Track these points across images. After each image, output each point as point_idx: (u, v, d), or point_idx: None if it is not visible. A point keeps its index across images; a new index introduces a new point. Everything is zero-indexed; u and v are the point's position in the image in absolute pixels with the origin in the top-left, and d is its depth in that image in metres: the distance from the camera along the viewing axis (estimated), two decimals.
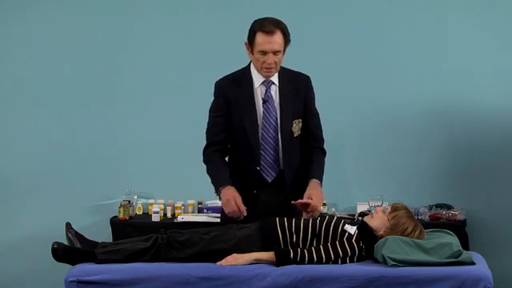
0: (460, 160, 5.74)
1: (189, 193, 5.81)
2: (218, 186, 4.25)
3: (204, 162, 4.38)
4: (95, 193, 5.87)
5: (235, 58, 5.67)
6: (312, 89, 4.41)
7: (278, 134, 4.32)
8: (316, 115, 4.43)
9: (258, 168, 4.32)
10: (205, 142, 4.41)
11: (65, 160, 5.88)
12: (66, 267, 4.13)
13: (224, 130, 4.34)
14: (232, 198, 4.17)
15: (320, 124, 4.44)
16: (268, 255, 4.08)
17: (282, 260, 4.05)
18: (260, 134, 4.30)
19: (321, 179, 4.34)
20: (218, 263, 4.05)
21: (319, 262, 4.08)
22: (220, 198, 4.25)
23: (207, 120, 4.41)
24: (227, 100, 4.32)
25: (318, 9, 5.73)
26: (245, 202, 4.22)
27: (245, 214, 4.17)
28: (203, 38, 5.81)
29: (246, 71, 4.36)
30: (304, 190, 4.27)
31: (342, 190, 5.75)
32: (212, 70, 5.78)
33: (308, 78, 4.41)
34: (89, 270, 4.04)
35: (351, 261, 4.12)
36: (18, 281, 5.87)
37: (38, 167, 5.89)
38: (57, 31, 5.88)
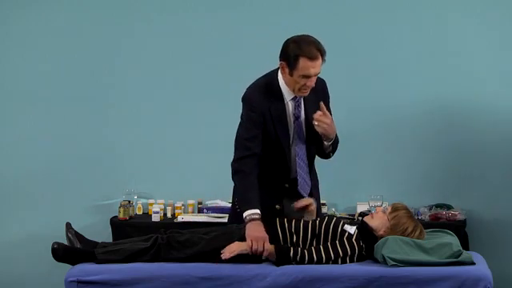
0: (460, 160, 5.74)
1: (189, 193, 5.81)
2: (245, 207, 4.14)
3: (236, 171, 4.21)
4: (95, 193, 5.87)
5: (235, 58, 5.71)
6: (328, 93, 4.41)
7: (306, 148, 4.31)
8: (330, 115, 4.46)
9: (287, 185, 4.30)
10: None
11: (65, 160, 5.88)
12: (66, 267, 4.13)
13: (261, 143, 4.22)
14: (261, 239, 4.05)
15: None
16: (270, 248, 4.07)
17: (281, 257, 4.05)
18: (293, 151, 4.28)
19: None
20: (223, 255, 4.04)
21: (319, 262, 4.08)
22: (244, 218, 4.13)
23: (239, 130, 4.27)
24: (261, 114, 4.21)
25: (318, 9, 5.73)
26: (267, 216, 4.20)
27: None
28: (203, 38, 5.81)
29: (273, 83, 4.25)
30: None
31: (342, 190, 5.74)
32: (212, 70, 5.83)
33: (324, 82, 4.40)
34: (89, 269, 4.04)
35: (351, 260, 4.12)
36: (18, 281, 5.87)
37: (38, 167, 5.89)
38: (57, 31, 5.88)
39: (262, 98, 4.22)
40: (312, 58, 4.09)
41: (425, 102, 5.73)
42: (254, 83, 4.30)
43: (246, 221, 4.11)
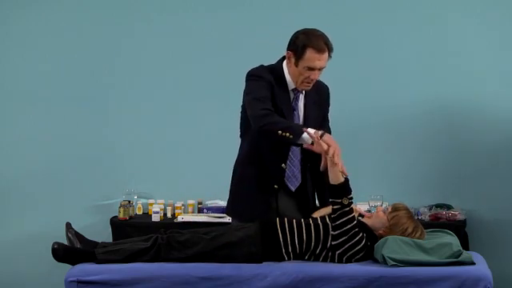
0: (460, 160, 5.74)
1: (189, 193, 5.81)
2: (299, 127, 4.07)
3: (268, 123, 4.08)
4: (95, 193, 5.87)
5: (235, 58, 5.70)
6: (329, 101, 4.44)
7: (300, 148, 4.29)
8: (328, 122, 4.46)
9: (284, 165, 4.28)
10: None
11: (65, 160, 5.88)
12: (66, 267, 4.13)
13: (271, 104, 4.18)
14: (339, 150, 4.03)
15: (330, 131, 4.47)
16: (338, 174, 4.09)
17: (346, 184, 4.07)
18: None
19: None
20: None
21: (346, 223, 4.06)
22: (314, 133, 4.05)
23: (248, 99, 4.20)
24: (270, 83, 4.20)
25: (318, 9, 5.73)
26: (265, 199, 4.24)
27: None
28: (203, 38, 5.81)
29: (279, 72, 4.27)
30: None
31: None
32: (212, 70, 5.83)
33: (328, 88, 4.43)
34: (89, 269, 4.04)
35: (355, 255, 4.10)
36: (18, 281, 5.87)
37: (38, 167, 5.89)
38: (57, 31, 5.88)
39: (268, 74, 4.23)
40: (319, 51, 4.14)
41: (425, 102, 5.73)
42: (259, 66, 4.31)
43: (317, 134, 4.02)
